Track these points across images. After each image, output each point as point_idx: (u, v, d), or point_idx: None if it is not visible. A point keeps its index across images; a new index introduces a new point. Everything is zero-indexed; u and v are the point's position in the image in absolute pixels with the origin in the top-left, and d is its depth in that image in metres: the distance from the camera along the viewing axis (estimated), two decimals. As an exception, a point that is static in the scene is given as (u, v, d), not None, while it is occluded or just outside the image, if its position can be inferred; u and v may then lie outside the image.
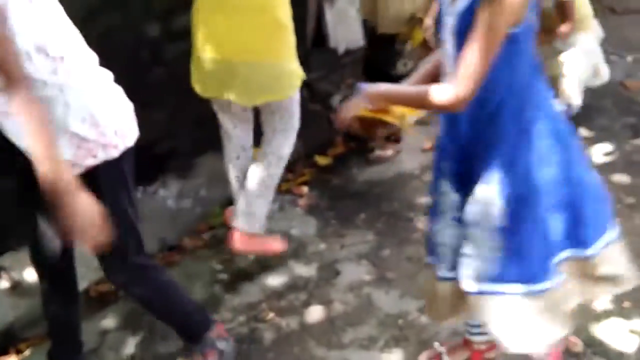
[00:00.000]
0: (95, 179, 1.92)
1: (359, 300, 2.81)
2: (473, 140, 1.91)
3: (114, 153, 1.94)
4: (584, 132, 4.00)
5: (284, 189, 3.49)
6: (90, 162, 1.91)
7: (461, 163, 1.96)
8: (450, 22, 1.79)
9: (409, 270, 2.93)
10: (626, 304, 2.72)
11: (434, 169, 2.08)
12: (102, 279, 2.49)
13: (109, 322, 2.75)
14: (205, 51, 2.62)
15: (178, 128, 3.42)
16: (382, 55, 3.40)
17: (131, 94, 2.05)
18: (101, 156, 1.92)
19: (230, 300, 2.86)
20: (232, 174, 2.92)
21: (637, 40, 5.34)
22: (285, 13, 2.65)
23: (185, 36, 2.74)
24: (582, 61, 3.83)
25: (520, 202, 1.89)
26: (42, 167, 1.65)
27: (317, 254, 3.06)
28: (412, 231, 3.18)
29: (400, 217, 3.28)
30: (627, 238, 3.07)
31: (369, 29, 3.53)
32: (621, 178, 3.56)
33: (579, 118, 4.12)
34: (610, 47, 5.17)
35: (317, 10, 4.56)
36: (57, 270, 2.19)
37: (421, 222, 3.22)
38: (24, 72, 1.68)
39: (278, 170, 2.89)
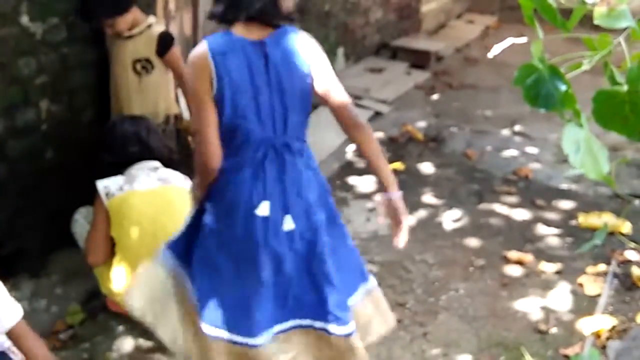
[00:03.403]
0: None
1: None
2: None
3: None
4: (433, 200, 4.24)
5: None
6: None
7: None
8: None
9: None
10: (485, 362, 2.85)
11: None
12: None
13: None
14: None
15: (25, 227, 3.26)
16: None
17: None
18: None
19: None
20: None
21: (473, 113, 5.80)
22: None
23: (28, 133, 2.66)
24: None
25: None
26: None
27: (183, 344, 2.98)
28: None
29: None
30: (480, 298, 3.30)
31: None
32: (471, 242, 3.79)
33: (427, 186, 4.38)
34: (450, 119, 5.60)
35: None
36: None
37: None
38: None
39: None
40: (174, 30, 4.49)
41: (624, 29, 1.53)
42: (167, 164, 3.07)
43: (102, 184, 2.89)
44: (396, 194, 2.28)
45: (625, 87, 1.44)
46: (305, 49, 2.19)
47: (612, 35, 1.60)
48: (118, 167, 3.00)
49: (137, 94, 3.30)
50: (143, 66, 3.26)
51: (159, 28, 3.29)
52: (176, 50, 3.30)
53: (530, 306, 3.23)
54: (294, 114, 2.19)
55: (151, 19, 3.31)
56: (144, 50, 3.25)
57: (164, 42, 3.25)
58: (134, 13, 3.23)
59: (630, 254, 3.61)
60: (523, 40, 2.00)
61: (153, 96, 3.33)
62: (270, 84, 2.15)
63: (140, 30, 3.24)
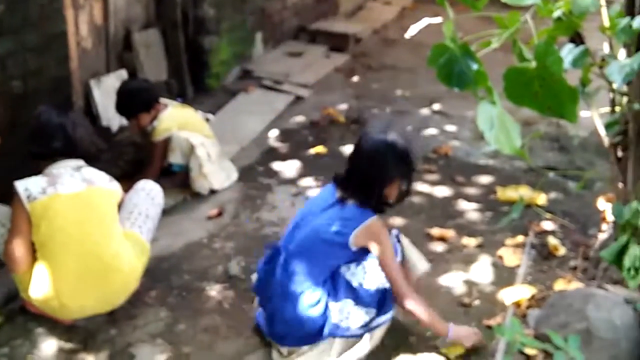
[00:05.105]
0: None
1: (158, 383, 2.69)
2: None
3: None
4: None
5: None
6: None
7: None
8: None
9: (206, 342, 2.88)
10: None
11: None
12: None
13: None
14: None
15: None
16: None
17: None
18: None
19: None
20: None
21: (393, 94, 5.87)
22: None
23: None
24: None
25: None
26: None
27: (108, 341, 2.89)
28: (205, 301, 3.13)
29: (192, 288, 3.22)
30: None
31: None
32: (395, 221, 3.83)
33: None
34: (371, 101, 5.65)
35: (85, 90, 4.43)
36: None
37: (214, 291, 3.20)
38: None
39: None
40: (83, 19, 4.33)
41: (531, 6, 1.57)
42: (91, 161, 2.95)
43: (22, 186, 2.74)
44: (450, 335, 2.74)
45: (533, 63, 1.48)
46: (359, 229, 2.60)
47: (521, 13, 1.63)
48: (40, 158, 2.87)
49: None
50: None
51: None
52: None
53: (453, 281, 3.31)
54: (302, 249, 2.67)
55: None
56: None
57: None
58: None
59: (546, 225, 3.75)
60: (438, 20, 2.03)
61: None
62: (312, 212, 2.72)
63: None
